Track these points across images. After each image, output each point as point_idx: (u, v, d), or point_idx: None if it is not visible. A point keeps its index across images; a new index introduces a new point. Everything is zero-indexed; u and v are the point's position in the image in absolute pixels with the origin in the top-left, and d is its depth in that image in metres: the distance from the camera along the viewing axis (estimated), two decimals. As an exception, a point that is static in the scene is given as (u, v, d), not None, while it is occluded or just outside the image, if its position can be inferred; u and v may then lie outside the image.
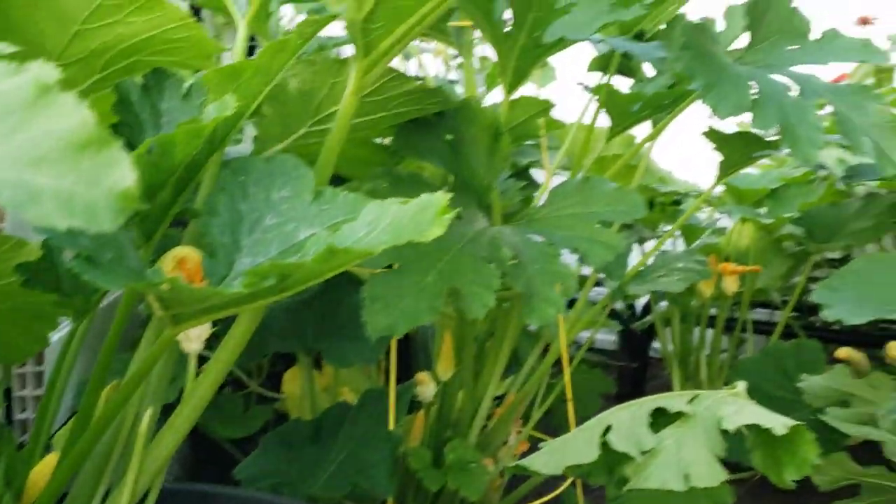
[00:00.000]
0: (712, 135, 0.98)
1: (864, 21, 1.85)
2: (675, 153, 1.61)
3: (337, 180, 0.69)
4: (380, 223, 0.41)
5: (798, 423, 0.64)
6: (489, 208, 0.90)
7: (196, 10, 1.20)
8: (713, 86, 0.78)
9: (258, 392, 1.27)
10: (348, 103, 0.60)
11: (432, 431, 1.02)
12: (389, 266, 0.71)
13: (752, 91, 0.81)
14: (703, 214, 1.73)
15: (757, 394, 1.44)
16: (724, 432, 0.67)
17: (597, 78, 1.08)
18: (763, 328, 1.69)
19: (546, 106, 0.93)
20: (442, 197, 0.38)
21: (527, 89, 1.57)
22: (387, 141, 0.89)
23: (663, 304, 1.61)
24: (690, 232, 1.49)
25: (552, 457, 0.72)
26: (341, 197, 0.50)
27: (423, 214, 0.38)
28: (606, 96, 1.00)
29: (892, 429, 1.02)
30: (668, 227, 1.57)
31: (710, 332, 1.57)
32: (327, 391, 1.20)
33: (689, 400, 0.71)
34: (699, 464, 0.64)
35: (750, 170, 1.66)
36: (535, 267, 0.76)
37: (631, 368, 1.78)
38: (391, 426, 0.93)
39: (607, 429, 0.68)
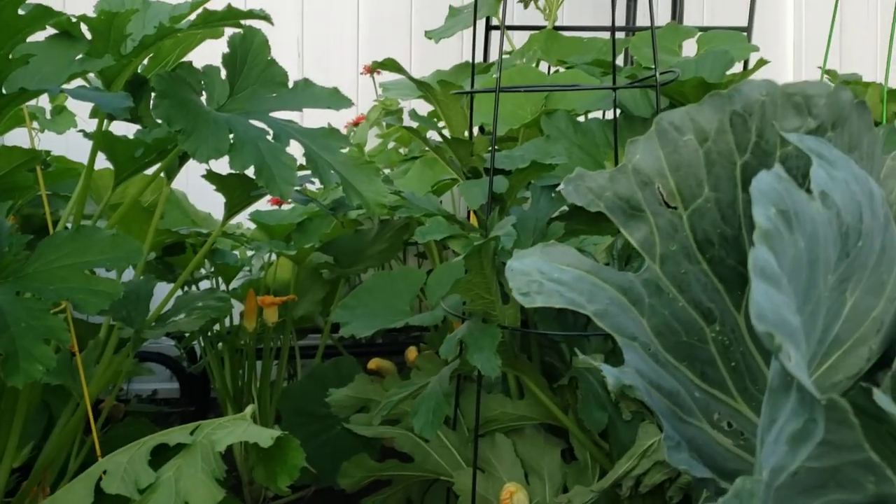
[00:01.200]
0: (211, 177, 1.04)
1: (370, 70, 2.09)
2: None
3: None
4: None
5: (282, 433, 0.71)
6: (-23, 268, 0.84)
7: None
8: (191, 131, 0.83)
9: None
10: None
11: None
12: None
13: (232, 136, 0.88)
14: (250, 253, 1.80)
15: (302, 415, 1.54)
16: (223, 454, 0.71)
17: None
18: (313, 353, 1.81)
19: (33, 155, 0.90)
20: None
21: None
22: None
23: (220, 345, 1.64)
24: (226, 271, 1.54)
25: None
26: None
27: None
28: (105, 143, 1.00)
29: (405, 425, 1.17)
30: (207, 269, 1.61)
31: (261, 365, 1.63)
32: None
33: (191, 431, 0.75)
34: (197, 489, 0.67)
35: (286, 206, 1.78)
36: (21, 325, 0.74)
37: (190, 413, 1.77)
38: None
39: (104, 474, 0.68)
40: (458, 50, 2.28)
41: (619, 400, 0.97)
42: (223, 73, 1.11)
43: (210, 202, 1.70)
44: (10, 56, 0.71)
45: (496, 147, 1.08)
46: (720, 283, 0.56)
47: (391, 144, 1.96)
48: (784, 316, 0.31)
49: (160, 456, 0.72)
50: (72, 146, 1.42)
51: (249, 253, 1.76)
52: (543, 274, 0.52)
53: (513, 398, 1.09)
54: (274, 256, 1.66)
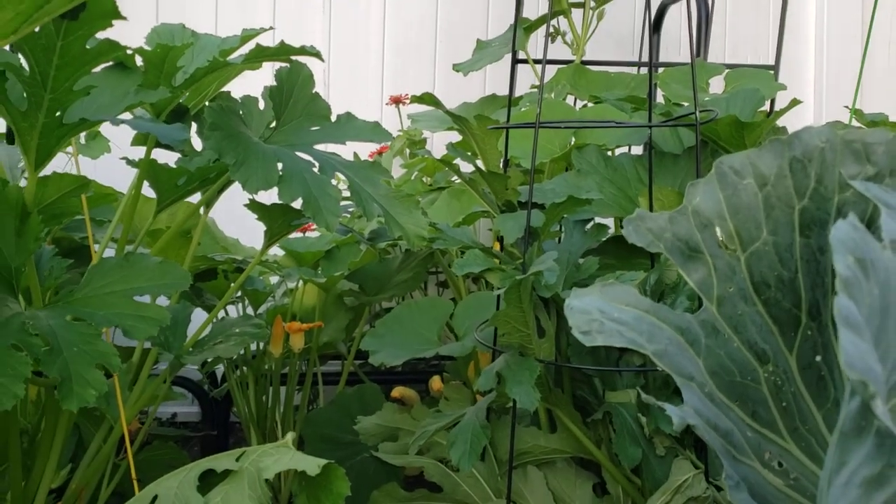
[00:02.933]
0: (254, 206, 1.06)
1: (396, 100, 2.12)
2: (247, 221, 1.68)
3: None
4: None
5: (329, 462, 0.72)
6: (26, 291, 0.86)
7: None
8: (242, 163, 0.85)
9: None
10: None
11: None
12: None
13: (280, 167, 0.89)
14: (274, 278, 1.82)
15: (326, 442, 1.55)
16: (269, 482, 0.72)
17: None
18: (334, 379, 1.81)
19: (83, 182, 0.91)
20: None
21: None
22: None
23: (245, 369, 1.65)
24: (255, 297, 1.55)
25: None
26: None
27: None
28: (150, 171, 1.02)
29: (434, 454, 1.18)
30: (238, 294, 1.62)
31: (286, 390, 1.64)
32: None
33: (237, 457, 0.75)
34: (245, 516, 0.68)
35: (311, 233, 1.80)
36: (74, 350, 0.75)
37: (212, 437, 1.78)
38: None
39: (154, 499, 0.69)
40: (480, 81, 2.31)
41: (654, 435, 0.98)
42: (261, 104, 1.14)
43: (235, 228, 1.73)
44: (74, 87, 0.73)
45: (526, 180, 1.09)
46: (774, 324, 0.57)
47: (415, 173, 1.98)
48: (870, 364, 0.32)
49: (206, 481, 0.73)
50: (100, 170, 1.45)
51: (273, 279, 1.78)
52: (603, 313, 0.54)
53: (544, 431, 1.09)
54: (299, 282, 1.67)
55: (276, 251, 1.73)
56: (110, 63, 0.85)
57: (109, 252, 1.12)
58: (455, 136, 1.72)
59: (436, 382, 1.61)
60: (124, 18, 0.66)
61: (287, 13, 2.21)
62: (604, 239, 1.15)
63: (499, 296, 1.07)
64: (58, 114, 0.75)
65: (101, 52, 0.70)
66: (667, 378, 0.98)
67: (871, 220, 0.51)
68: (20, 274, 0.82)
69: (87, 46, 0.69)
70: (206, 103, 1.11)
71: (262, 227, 1.15)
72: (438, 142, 2.26)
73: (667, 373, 0.55)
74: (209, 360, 1.03)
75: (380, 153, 2.18)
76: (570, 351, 1.06)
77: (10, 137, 1.27)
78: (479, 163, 1.21)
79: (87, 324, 0.78)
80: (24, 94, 0.74)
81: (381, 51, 2.33)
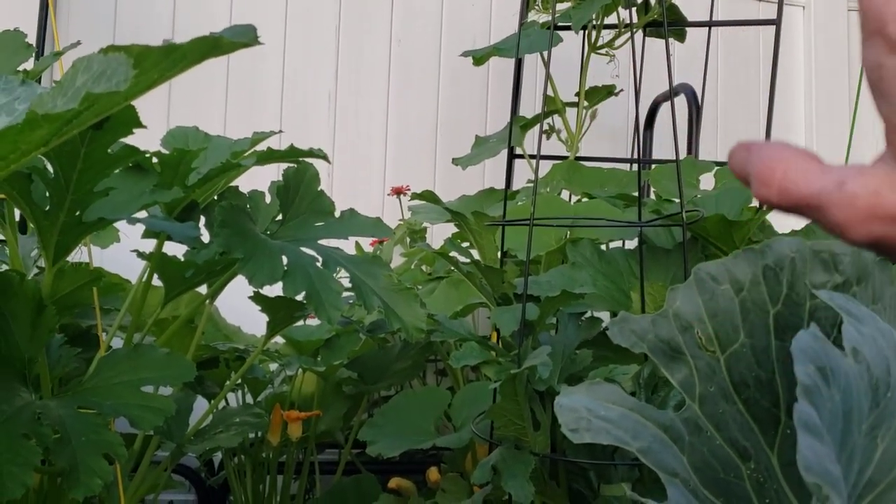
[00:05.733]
0: (258, 299, 1.09)
1: (398, 191, 2.19)
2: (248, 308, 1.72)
3: None
4: None
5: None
6: (36, 380, 0.89)
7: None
8: (249, 258, 0.89)
9: None
10: None
11: None
12: None
13: (285, 262, 0.94)
14: (273, 366, 1.84)
15: (322, 532, 1.53)
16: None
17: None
18: (332, 468, 1.81)
19: (97, 275, 0.95)
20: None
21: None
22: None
23: (242, 457, 1.65)
24: (255, 385, 1.57)
25: None
26: None
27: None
28: (160, 264, 1.06)
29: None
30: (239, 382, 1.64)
31: (282, 479, 1.64)
32: None
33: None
34: None
35: (311, 321, 1.84)
36: (82, 439, 0.77)
37: (208, 526, 1.76)
38: None
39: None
40: (479, 173, 2.38)
41: (648, 529, 0.98)
42: (268, 198, 1.19)
43: (237, 316, 1.76)
44: (94, 189, 0.77)
45: (521, 271, 1.13)
46: (755, 423, 0.60)
47: (415, 262, 2.03)
48: (827, 467, 0.35)
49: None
50: (106, 259, 1.49)
51: (272, 366, 1.80)
52: (590, 411, 0.56)
53: (540, 523, 1.10)
54: (298, 370, 1.69)
55: (276, 338, 1.75)
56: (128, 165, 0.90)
57: (116, 340, 1.16)
58: (454, 227, 1.78)
59: (433, 474, 1.61)
60: (144, 127, 0.71)
61: (294, 107, 2.30)
62: (598, 331, 1.18)
63: (495, 388, 1.09)
64: (77, 213, 0.79)
65: (122, 156, 0.75)
66: (659, 471, 0.99)
67: (840, 325, 0.54)
68: (33, 364, 0.85)
69: (110, 151, 0.74)
70: (215, 197, 1.16)
71: (263, 314, 1.19)
72: (438, 230, 2.32)
73: (654, 468, 0.58)
74: (209, 448, 1.04)
75: (381, 242, 2.24)
76: (565, 444, 1.08)
77: (22, 227, 1.32)
78: (476, 255, 1.26)
79: (95, 413, 0.81)
80: (47, 194, 0.79)
81: (384, 143, 2.41)
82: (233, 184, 1.21)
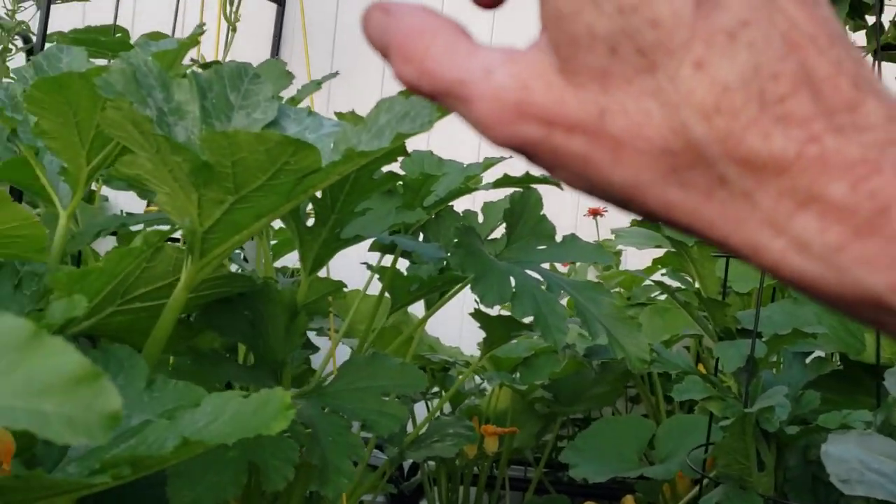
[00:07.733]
0: (478, 315, 1.13)
1: (595, 212, 2.18)
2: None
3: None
4: (222, 414, 0.47)
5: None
6: (282, 381, 0.96)
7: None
8: (480, 278, 0.93)
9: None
10: (178, 297, 0.66)
11: None
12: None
13: (512, 283, 0.96)
14: (474, 379, 1.89)
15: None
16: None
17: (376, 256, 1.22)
18: (519, 485, 1.83)
19: (339, 286, 1.03)
20: (283, 393, 0.46)
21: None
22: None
23: (430, 464, 1.71)
24: (456, 396, 1.62)
25: None
26: (172, 385, 0.55)
27: (267, 409, 0.45)
28: (391, 279, 1.13)
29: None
30: (435, 390, 1.70)
31: (474, 490, 1.68)
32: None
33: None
34: None
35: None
36: (329, 439, 0.83)
37: (400, 529, 1.83)
38: None
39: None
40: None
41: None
42: (480, 218, 1.23)
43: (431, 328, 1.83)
44: (355, 209, 0.84)
45: (741, 305, 1.10)
46: None
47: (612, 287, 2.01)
48: None
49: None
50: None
51: (466, 380, 1.85)
52: (863, 463, 0.54)
53: (754, 568, 1.06)
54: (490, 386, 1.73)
55: (472, 351, 1.80)
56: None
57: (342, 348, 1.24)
58: (653, 252, 1.74)
59: (629, 501, 1.60)
60: (409, 155, 0.76)
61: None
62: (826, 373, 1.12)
63: (711, 423, 1.07)
64: (337, 230, 0.86)
65: (383, 181, 0.81)
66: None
67: None
68: (284, 366, 0.93)
69: (374, 177, 0.80)
70: (432, 216, 1.22)
71: (460, 326, 1.23)
72: (632, 254, 2.28)
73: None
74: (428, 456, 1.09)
75: (573, 263, 2.24)
76: (787, 487, 1.03)
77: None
78: (697, 284, 1.23)
79: (339, 416, 0.87)
80: (308, 210, 0.86)
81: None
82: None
